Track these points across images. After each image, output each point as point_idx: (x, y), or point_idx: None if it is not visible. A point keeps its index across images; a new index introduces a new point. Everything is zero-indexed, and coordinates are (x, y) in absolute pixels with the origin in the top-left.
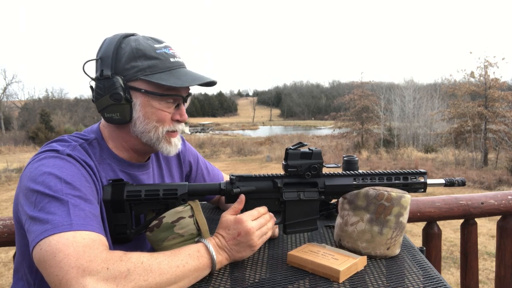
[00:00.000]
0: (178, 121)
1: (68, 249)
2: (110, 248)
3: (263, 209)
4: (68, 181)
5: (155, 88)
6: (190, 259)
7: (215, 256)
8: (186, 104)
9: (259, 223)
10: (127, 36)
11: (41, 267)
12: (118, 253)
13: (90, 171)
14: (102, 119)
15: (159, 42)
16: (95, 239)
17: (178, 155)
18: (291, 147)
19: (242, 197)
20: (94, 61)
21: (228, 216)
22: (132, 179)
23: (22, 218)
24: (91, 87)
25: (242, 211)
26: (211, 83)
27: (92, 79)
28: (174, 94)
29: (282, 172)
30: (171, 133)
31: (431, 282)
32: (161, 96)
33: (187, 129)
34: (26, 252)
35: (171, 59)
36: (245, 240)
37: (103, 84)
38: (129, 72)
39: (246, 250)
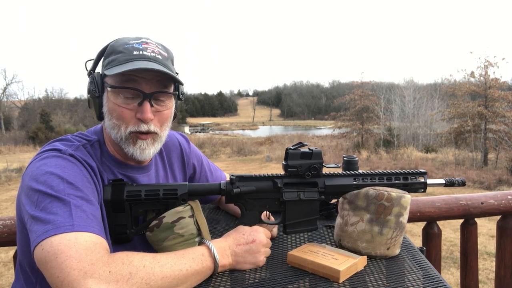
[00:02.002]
0: (141, 121)
1: (70, 251)
2: (110, 249)
3: (270, 233)
4: (70, 181)
5: (113, 82)
6: (194, 262)
7: (218, 260)
8: (165, 104)
9: (269, 243)
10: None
11: (43, 268)
12: (120, 256)
13: (91, 171)
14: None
15: (137, 38)
16: (96, 242)
17: (182, 157)
18: (291, 147)
19: (271, 232)
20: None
21: (245, 225)
22: (131, 182)
23: (24, 217)
24: None
25: (242, 213)
26: (165, 75)
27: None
28: (131, 88)
29: (282, 172)
30: (139, 134)
31: (431, 282)
32: (116, 89)
33: (187, 129)
34: (28, 251)
35: (134, 52)
36: (256, 250)
37: (88, 82)
38: (103, 69)
39: (251, 261)
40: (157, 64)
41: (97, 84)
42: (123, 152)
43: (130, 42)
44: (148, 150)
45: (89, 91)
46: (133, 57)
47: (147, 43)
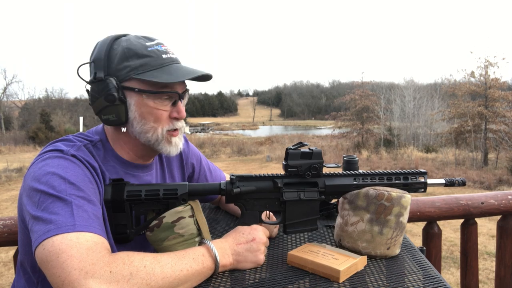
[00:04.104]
0: (177, 119)
1: (72, 251)
2: (113, 248)
3: (268, 232)
4: (72, 181)
5: (148, 86)
6: (194, 263)
7: (219, 260)
8: (184, 101)
9: (267, 242)
10: (118, 37)
11: (44, 267)
12: (121, 256)
13: (93, 172)
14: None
15: (151, 40)
16: (98, 242)
17: (180, 157)
18: (291, 147)
19: (271, 233)
20: (88, 65)
21: (244, 225)
22: (136, 181)
23: (25, 218)
24: (87, 90)
25: (242, 213)
26: (206, 77)
27: (87, 82)
28: (169, 91)
29: (282, 172)
30: (172, 132)
31: (431, 282)
32: (155, 94)
33: (187, 129)
34: (29, 251)
35: (163, 56)
36: (256, 248)
37: (97, 87)
38: (122, 73)
39: (252, 259)
40: (194, 69)
41: (119, 90)
42: (129, 152)
43: (148, 44)
44: (180, 145)
45: (109, 98)
46: (165, 62)
47: (162, 44)
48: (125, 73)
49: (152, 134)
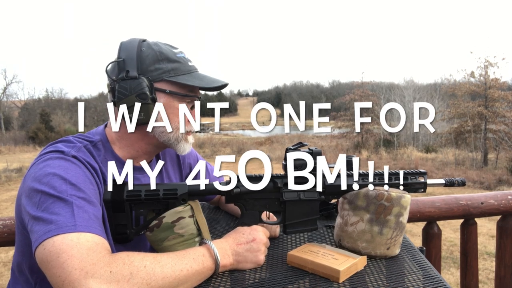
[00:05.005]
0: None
1: (72, 251)
2: (112, 249)
3: (269, 233)
4: (73, 182)
5: (178, 89)
6: (195, 263)
7: (219, 260)
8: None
9: (268, 242)
10: (144, 40)
11: (44, 267)
12: (121, 256)
13: (94, 173)
14: (109, 122)
15: (175, 47)
16: (98, 243)
17: (177, 158)
18: (291, 147)
19: (273, 232)
20: (114, 63)
21: (244, 226)
22: (135, 181)
23: (24, 219)
24: (112, 88)
25: (242, 213)
26: (224, 86)
27: (114, 80)
28: (193, 95)
29: (282, 172)
30: (188, 132)
31: (431, 282)
32: (183, 96)
33: None
34: (28, 252)
35: (189, 63)
36: (257, 248)
37: (128, 85)
38: (154, 74)
39: (252, 260)
40: (216, 78)
41: (151, 90)
42: (136, 152)
43: (174, 51)
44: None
45: (142, 97)
46: (192, 69)
47: (184, 52)
48: (157, 74)
49: (173, 134)
